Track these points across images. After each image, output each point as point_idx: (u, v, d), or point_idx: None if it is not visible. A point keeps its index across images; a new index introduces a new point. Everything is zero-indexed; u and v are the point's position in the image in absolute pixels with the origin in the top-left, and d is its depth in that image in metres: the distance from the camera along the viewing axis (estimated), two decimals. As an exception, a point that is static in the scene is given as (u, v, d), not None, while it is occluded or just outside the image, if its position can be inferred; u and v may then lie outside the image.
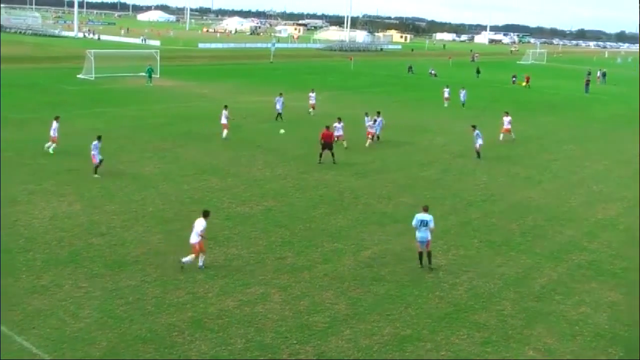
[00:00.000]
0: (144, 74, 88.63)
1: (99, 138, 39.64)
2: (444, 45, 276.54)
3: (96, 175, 38.81)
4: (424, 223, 26.55)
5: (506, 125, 57.42)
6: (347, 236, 30.74)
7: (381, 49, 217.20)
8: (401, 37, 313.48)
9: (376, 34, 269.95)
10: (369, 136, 51.09)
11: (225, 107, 53.45)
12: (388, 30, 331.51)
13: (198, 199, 35.29)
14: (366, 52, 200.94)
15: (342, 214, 34.28)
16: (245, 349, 20.18)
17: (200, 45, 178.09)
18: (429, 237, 26.76)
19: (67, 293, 23.39)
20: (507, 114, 58.26)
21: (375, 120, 52.11)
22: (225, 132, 51.70)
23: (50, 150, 43.84)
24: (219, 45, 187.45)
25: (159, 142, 48.59)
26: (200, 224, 25.54)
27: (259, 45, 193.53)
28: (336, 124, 47.86)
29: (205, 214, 25.99)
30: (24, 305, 22.30)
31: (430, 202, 36.16)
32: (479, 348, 21.12)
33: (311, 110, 65.39)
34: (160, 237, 29.38)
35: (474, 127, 48.65)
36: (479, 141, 48.11)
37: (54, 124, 44.08)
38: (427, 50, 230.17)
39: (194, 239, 25.59)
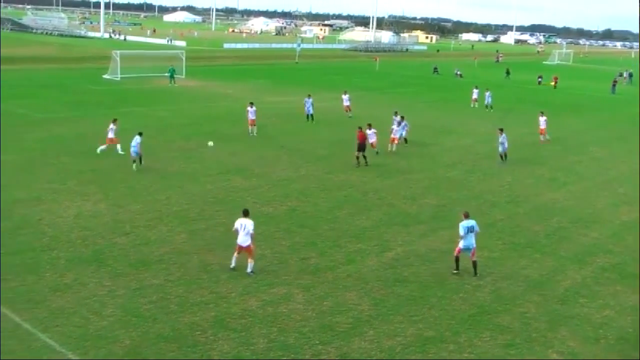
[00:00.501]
0: (167, 74, 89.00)
1: (140, 134, 40.85)
2: (472, 46, 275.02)
3: (134, 168, 40.38)
4: (471, 229, 26.29)
5: (542, 125, 57.13)
6: (370, 237, 30.73)
7: (406, 50, 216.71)
8: (427, 37, 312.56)
9: (402, 34, 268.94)
10: (393, 142, 49.52)
11: (251, 104, 54.18)
12: (413, 31, 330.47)
13: (222, 199, 35.42)
14: (391, 52, 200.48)
15: (366, 214, 34.27)
16: (267, 349, 20.22)
17: (226, 46, 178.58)
18: (475, 244, 26.59)
19: (91, 291, 23.57)
20: (542, 113, 57.98)
21: (399, 123, 51.11)
22: (252, 128, 53.27)
23: (98, 151, 44.11)
24: (245, 46, 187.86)
25: (183, 141, 48.75)
26: (249, 223, 25.29)
27: (284, 45, 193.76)
28: (368, 131, 46.32)
29: (246, 213, 25.81)
30: (48, 303, 22.49)
31: (454, 204, 36.29)
32: (502, 350, 21.03)
33: (348, 113, 64.68)
34: (184, 237, 29.51)
35: (501, 130, 47.58)
36: (504, 145, 47.15)
37: (111, 126, 44.22)
38: (452, 51, 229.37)
39: (247, 240, 25.31)
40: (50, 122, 55.45)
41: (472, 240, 26.36)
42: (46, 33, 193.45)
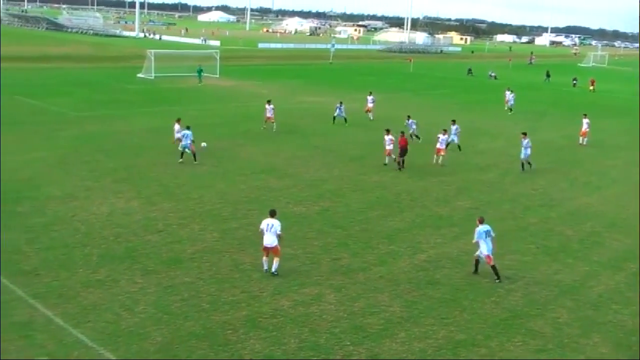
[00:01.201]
0: (204, 74, 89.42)
1: (188, 128, 42.27)
2: (510, 47, 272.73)
3: (196, 162, 41.94)
4: (488, 234, 26.24)
5: (584, 128, 56.56)
6: (403, 239, 30.65)
7: (441, 51, 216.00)
8: (461, 39, 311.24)
9: (436, 35, 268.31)
10: (439, 153, 45.93)
11: (269, 102, 55.28)
12: (448, 32, 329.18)
13: (255, 199, 35.50)
14: (426, 54, 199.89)
15: (399, 216, 34.20)
16: (298, 349, 20.23)
17: (260, 45, 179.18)
18: (492, 248, 26.40)
19: (123, 288, 23.75)
20: (585, 116, 57.38)
21: (444, 132, 46.92)
22: (269, 124, 54.46)
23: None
24: (279, 46, 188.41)
25: (216, 141, 48.88)
26: (277, 223, 25.30)
27: (318, 45, 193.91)
28: (385, 136, 44.75)
29: (273, 213, 25.74)
30: (80, 299, 22.69)
31: (487, 206, 36.13)
32: (534, 356, 20.87)
33: (369, 114, 64.53)
34: (216, 236, 29.62)
35: (524, 134, 45.94)
36: (527, 151, 45.32)
37: (176, 126, 44.60)
38: (487, 52, 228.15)
39: (274, 240, 25.25)
40: (84, 120, 55.94)
41: (490, 245, 26.26)
42: (81, 32, 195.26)
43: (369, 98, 65.18)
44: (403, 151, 43.56)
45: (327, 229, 31.37)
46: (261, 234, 25.44)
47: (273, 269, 25.43)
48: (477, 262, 26.63)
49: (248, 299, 23.45)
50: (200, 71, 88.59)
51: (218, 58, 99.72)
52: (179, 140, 43.41)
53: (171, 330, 20.88)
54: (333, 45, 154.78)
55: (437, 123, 59.39)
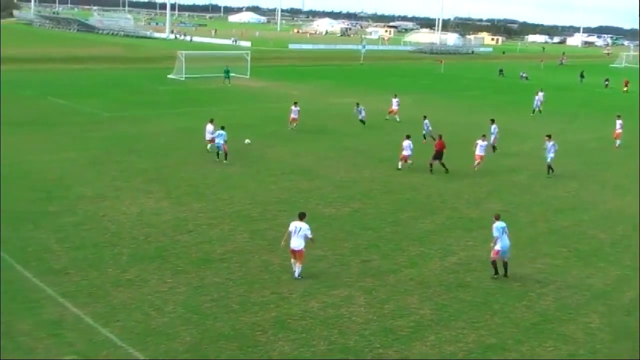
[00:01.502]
0: (234, 74, 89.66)
1: (222, 127, 42.87)
2: (544, 48, 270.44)
3: (226, 161, 42.36)
4: (504, 230, 26.26)
5: (618, 129, 55.81)
6: (433, 241, 30.51)
7: (472, 52, 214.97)
8: (492, 39, 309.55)
9: (467, 36, 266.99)
10: (478, 160, 44.42)
11: (295, 103, 55.90)
12: (479, 33, 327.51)
13: (285, 200, 35.53)
14: (457, 55, 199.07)
15: (429, 218, 34.05)
16: (328, 351, 20.18)
17: (291, 46, 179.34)
18: (509, 245, 26.42)
19: (153, 288, 23.85)
20: (619, 117, 56.58)
21: (483, 136, 45.54)
22: (293, 124, 55.09)
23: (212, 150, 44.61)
24: (310, 47, 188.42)
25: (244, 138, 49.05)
26: (305, 227, 25.09)
27: (349, 46, 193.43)
28: (404, 142, 43.51)
29: (302, 216, 25.59)
30: (110, 298, 22.82)
31: (518, 209, 35.94)
32: (566, 361, 20.70)
33: (392, 116, 63.94)
34: (246, 236, 29.67)
35: (548, 137, 44.54)
36: (551, 154, 43.91)
37: (209, 127, 44.94)
38: (518, 53, 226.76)
39: (301, 244, 25.05)
40: (116, 121, 56.35)
41: (507, 242, 26.23)
42: (112, 34, 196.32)
43: (394, 100, 64.79)
44: (438, 154, 43.15)
45: (357, 231, 31.31)
46: (288, 236, 25.34)
47: (296, 274, 25.35)
48: (496, 263, 26.46)
49: (277, 300, 23.45)
50: (227, 72, 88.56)
51: (249, 59, 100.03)
52: (212, 140, 43.65)
53: (200, 331, 20.92)
54: (364, 46, 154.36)
55: (467, 124, 59.31)
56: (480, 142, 44.59)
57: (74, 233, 28.78)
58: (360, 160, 45.61)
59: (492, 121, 50.98)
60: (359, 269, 26.64)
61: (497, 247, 26.13)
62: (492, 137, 50.27)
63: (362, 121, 59.04)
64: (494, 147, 50.14)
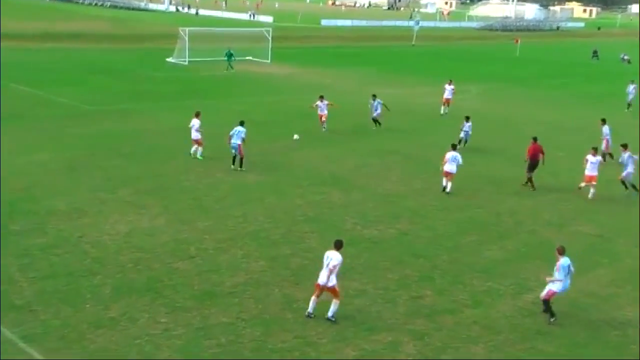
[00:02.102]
0: (250, 57, 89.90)
1: (242, 123, 42.91)
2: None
3: (242, 169, 42.61)
4: (570, 269, 26.08)
5: None
6: (504, 273, 30.29)
7: (557, 28, 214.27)
8: (584, 11, 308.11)
9: (551, 7, 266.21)
10: (590, 182, 42.06)
11: (322, 97, 55.26)
12: (567, 3, 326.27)
13: (314, 218, 35.57)
14: (537, 31, 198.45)
15: (498, 243, 33.88)
16: (366, 414, 20.13)
17: (324, 23, 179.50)
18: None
19: (142, 329, 23.90)
20: None
21: (594, 150, 42.67)
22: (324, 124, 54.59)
23: (199, 156, 44.97)
24: (347, 23, 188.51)
25: (267, 143, 49.10)
26: (336, 258, 24.97)
27: (397, 23, 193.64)
28: (449, 153, 41.02)
29: (338, 246, 25.48)
30: (86, 343, 22.88)
31: (616, 235, 35.51)
32: None
33: (446, 108, 64.31)
34: (264, 264, 29.68)
35: (624, 147, 43.10)
36: (629, 169, 42.40)
37: (195, 122, 45.04)
38: (618, 29, 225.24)
39: (330, 279, 24.91)
40: (100, 116, 56.76)
41: (568, 282, 26.11)
42: (96, 4, 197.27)
43: (448, 88, 64.76)
44: (533, 164, 42.32)
45: (406, 258, 31.22)
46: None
47: (330, 314, 25.20)
48: (549, 303, 26.32)
49: (302, 346, 23.43)
50: (230, 55, 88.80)
51: (270, 38, 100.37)
52: (198, 141, 44.24)
53: (203, 386, 20.94)
54: (417, 23, 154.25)
55: (551, 123, 58.82)
56: (590, 157, 42.27)
57: (42, 259, 28.90)
58: (410, 168, 45.62)
59: (603, 121, 50.05)
60: (407, 308, 26.54)
61: (556, 288, 25.98)
62: (604, 143, 49.29)
63: (375, 120, 57.50)
64: (610, 155, 48.92)
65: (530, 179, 42.50)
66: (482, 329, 25.38)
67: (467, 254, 32.21)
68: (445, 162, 40.72)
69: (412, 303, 26.96)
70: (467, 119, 51.28)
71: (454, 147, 41.62)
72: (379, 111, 57.32)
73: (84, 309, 25.04)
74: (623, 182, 43.00)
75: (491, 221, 36.83)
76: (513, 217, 37.60)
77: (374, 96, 57.99)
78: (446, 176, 40.97)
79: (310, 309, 25.38)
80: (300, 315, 25.41)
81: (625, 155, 42.55)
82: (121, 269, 28.38)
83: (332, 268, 24.92)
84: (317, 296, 25.28)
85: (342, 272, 27.39)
